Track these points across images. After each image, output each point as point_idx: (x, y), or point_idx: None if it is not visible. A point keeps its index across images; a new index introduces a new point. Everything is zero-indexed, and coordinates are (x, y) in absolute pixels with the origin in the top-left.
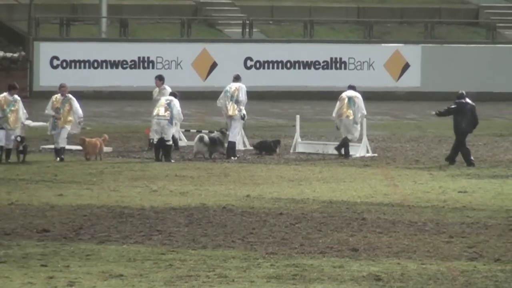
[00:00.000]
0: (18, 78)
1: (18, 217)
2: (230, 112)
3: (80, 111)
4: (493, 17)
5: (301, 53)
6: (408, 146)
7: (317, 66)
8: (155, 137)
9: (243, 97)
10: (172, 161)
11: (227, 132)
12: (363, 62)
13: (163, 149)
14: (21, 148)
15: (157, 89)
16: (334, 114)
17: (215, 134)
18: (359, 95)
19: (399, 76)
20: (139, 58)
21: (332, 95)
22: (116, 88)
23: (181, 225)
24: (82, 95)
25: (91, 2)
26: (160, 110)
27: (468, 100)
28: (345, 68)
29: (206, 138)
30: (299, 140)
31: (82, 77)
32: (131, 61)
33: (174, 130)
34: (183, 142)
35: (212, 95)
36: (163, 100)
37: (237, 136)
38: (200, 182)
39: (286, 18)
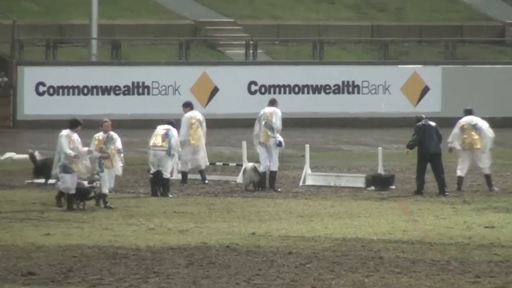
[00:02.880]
0: (0, 106)
1: (0, 259)
2: (262, 139)
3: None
4: None
5: (310, 76)
6: (429, 177)
7: (327, 90)
8: (151, 170)
9: (277, 123)
10: (170, 196)
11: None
12: (378, 86)
13: (161, 183)
14: (93, 194)
15: None
16: (458, 146)
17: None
18: (480, 119)
19: (418, 101)
20: (133, 83)
21: (344, 122)
22: (108, 117)
23: (180, 266)
24: None
25: (80, 22)
26: (157, 140)
27: (429, 122)
28: (358, 92)
29: (259, 168)
30: (309, 171)
31: (70, 104)
32: (124, 86)
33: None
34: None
35: (213, 123)
36: (160, 129)
37: (277, 165)
38: (201, 219)
39: (293, 38)
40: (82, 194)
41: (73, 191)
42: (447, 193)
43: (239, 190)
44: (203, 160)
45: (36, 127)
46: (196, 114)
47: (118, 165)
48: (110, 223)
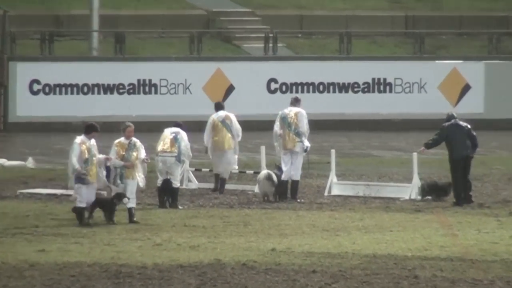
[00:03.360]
0: None
1: None
2: (289, 145)
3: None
4: None
5: (337, 73)
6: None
7: (356, 89)
8: (159, 178)
9: (304, 127)
10: (180, 207)
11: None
12: (413, 84)
13: (170, 193)
14: (117, 208)
15: None
16: None
17: (274, 171)
18: None
19: (458, 100)
20: (138, 81)
21: (375, 124)
22: (110, 118)
23: (191, 286)
24: (70, 127)
25: (79, 13)
26: (165, 145)
27: (460, 122)
28: (390, 91)
29: (274, 176)
30: (335, 180)
31: (68, 105)
32: (129, 84)
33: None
34: (193, 184)
35: None
36: (167, 133)
37: (300, 173)
38: (214, 233)
39: (318, 30)
40: (107, 206)
41: (84, 205)
42: (471, 194)
43: (257, 200)
44: (226, 168)
45: (30, 130)
46: (220, 115)
47: (141, 177)
48: (112, 238)
